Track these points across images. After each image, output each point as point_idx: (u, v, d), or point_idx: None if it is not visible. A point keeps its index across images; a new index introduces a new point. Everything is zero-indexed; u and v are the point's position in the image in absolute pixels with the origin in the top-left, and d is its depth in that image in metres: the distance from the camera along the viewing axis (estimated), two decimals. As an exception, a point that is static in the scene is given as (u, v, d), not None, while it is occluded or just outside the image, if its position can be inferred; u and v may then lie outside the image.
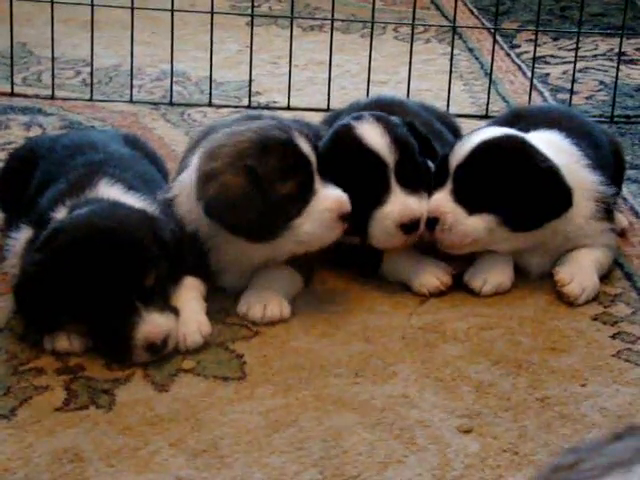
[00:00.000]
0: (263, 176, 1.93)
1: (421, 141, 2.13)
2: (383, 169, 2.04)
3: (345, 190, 1.97)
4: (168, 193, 2.08)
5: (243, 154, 1.95)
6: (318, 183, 1.98)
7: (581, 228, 2.13)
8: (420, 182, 2.07)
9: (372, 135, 2.06)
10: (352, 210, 1.98)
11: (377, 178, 2.04)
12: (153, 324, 1.83)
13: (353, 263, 2.16)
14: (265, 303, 2.00)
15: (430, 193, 2.08)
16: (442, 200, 2.03)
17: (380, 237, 2.05)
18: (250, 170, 1.93)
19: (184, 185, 2.05)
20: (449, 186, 2.04)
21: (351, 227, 2.02)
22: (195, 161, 2.03)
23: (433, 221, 2.01)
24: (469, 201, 2.02)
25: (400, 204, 2.03)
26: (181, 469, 1.61)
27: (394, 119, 2.12)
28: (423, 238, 2.05)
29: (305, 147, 1.98)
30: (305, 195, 1.96)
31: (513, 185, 2.02)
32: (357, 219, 2.02)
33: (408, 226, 2.03)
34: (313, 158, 1.98)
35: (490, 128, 2.17)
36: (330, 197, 1.96)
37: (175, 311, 1.92)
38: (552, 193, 2.05)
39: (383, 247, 2.07)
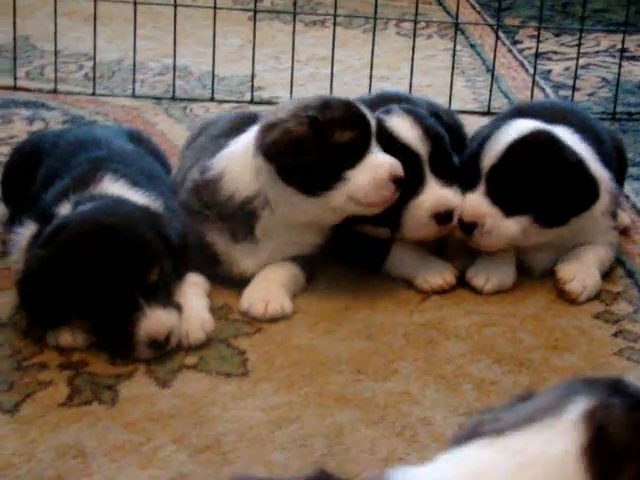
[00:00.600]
0: (324, 125, 1.97)
1: (449, 132, 2.14)
2: (417, 161, 2.06)
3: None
4: (210, 173, 2.08)
5: (307, 107, 2.00)
6: (374, 145, 2.00)
7: (597, 222, 2.13)
8: (453, 173, 2.08)
9: (403, 128, 2.07)
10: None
11: (411, 170, 2.03)
12: (156, 320, 1.83)
13: (358, 258, 2.16)
14: (267, 300, 2.00)
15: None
16: (479, 203, 2.02)
17: (414, 227, 2.06)
18: (312, 119, 1.97)
19: (229, 162, 2.06)
20: (482, 187, 2.03)
21: (382, 218, 2.03)
22: (245, 140, 2.07)
23: (471, 225, 2.01)
24: (505, 203, 2.01)
25: (435, 194, 2.04)
26: (184, 465, 1.61)
27: (422, 111, 2.13)
28: (454, 236, 2.07)
29: (364, 110, 2.03)
30: (362, 149, 1.99)
31: (547, 183, 2.02)
32: (389, 211, 2.02)
33: (443, 216, 2.04)
34: (372, 121, 2.02)
35: (517, 123, 2.13)
36: (385, 158, 1.99)
37: (178, 307, 1.91)
38: (583, 186, 2.05)
39: (416, 238, 2.08)
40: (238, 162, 2.04)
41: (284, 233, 2.05)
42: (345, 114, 1.99)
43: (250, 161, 2.01)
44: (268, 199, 2.01)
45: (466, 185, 2.06)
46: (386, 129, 2.07)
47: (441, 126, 2.13)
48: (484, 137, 2.12)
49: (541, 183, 2.02)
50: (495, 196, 2.02)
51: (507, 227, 2.02)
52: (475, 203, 2.03)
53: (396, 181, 1.96)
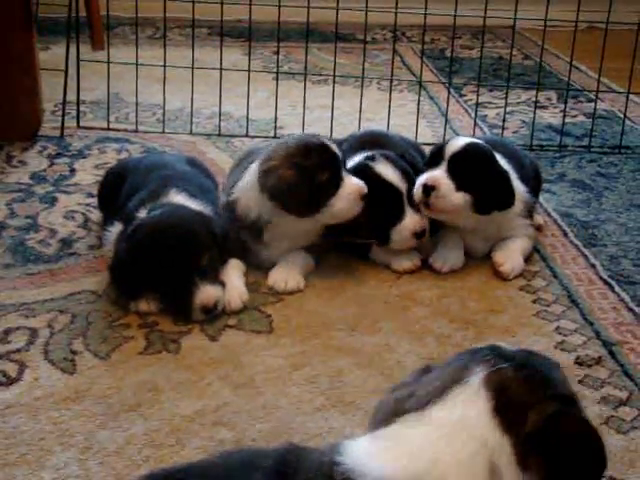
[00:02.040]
0: (307, 169, 1.92)
1: (412, 167, 2.11)
2: (399, 196, 2.03)
3: (370, 211, 1.98)
4: (231, 197, 2.06)
5: (292, 154, 1.94)
6: (344, 174, 1.96)
7: (511, 221, 2.11)
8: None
9: (387, 171, 2.04)
10: (375, 223, 2.02)
11: (395, 203, 2.03)
12: (207, 293, 1.82)
13: (353, 250, 2.12)
14: (287, 278, 1.98)
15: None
16: (439, 175, 1.98)
17: (399, 243, 2.04)
18: (298, 165, 1.92)
19: (243, 189, 2.02)
20: (444, 167, 1.99)
21: (375, 236, 2.05)
22: (248, 174, 2.02)
23: (430, 188, 1.97)
24: (457, 180, 1.98)
25: (413, 220, 2.03)
26: (228, 397, 1.59)
27: (394, 155, 2.10)
28: (419, 201, 2.01)
29: (334, 148, 1.98)
30: (336, 182, 1.95)
31: (483, 177, 2.00)
32: (379, 230, 2.03)
33: (419, 234, 2.03)
34: (340, 156, 1.98)
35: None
36: (353, 183, 1.95)
37: (222, 283, 1.90)
38: (506, 191, 2.04)
39: (400, 249, 2.06)
40: (246, 194, 2.01)
41: (284, 238, 2.02)
42: (322, 157, 1.94)
43: (255, 194, 1.97)
44: (270, 220, 1.98)
45: (433, 165, 2.03)
46: (373, 172, 2.04)
47: (408, 163, 2.11)
48: (448, 139, 2.15)
49: (479, 176, 1.99)
50: (451, 173, 1.99)
51: (455, 197, 1.98)
52: (437, 174, 1.99)
53: (363, 197, 1.95)
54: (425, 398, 1.04)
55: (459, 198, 1.98)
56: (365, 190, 1.95)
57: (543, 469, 0.97)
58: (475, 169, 1.99)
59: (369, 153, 2.11)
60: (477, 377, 1.02)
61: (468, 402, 1.00)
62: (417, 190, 2.00)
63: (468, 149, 2.02)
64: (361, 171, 2.03)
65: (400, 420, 1.04)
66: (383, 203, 2.02)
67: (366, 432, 1.09)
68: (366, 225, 2.01)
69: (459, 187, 1.98)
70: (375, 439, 1.04)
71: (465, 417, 0.99)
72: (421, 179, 2.01)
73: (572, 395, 1.05)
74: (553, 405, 0.99)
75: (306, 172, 1.92)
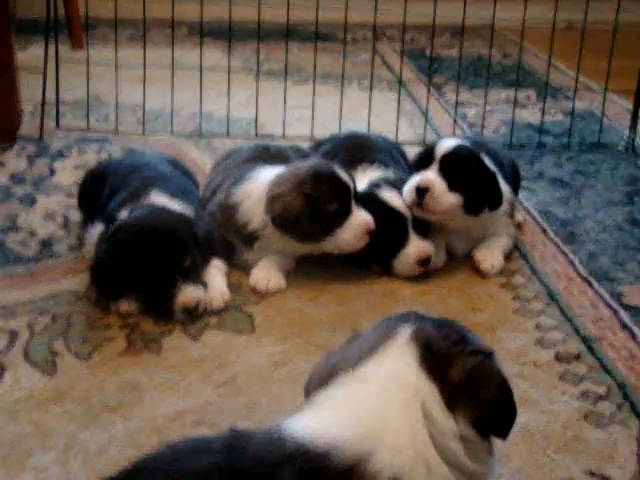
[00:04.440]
0: (316, 199, 1.91)
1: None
2: (403, 222, 2.02)
3: (375, 236, 1.96)
4: (230, 200, 2.04)
5: (302, 182, 1.93)
6: (354, 205, 1.95)
7: (497, 221, 2.12)
8: (428, 229, 2.04)
9: (392, 198, 2.03)
10: (379, 249, 1.99)
11: (400, 229, 2.02)
12: (188, 294, 1.82)
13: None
14: (269, 278, 1.98)
15: None
16: (432, 176, 1.98)
17: (403, 270, 2.03)
18: (307, 195, 1.91)
19: (246, 196, 2.01)
20: (435, 167, 1.99)
21: (378, 262, 2.04)
22: (255, 184, 2.01)
23: (423, 190, 1.96)
24: (449, 180, 1.98)
25: (418, 246, 2.01)
26: (209, 396, 1.59)
27: (396, 180, 2.09)
28: (412, 203, 2.00)
29: (346, 178, 1.96)
30: (345, 213, 1.94)
31: (474, 178, 2.00)
32: (383, 256, 2.03)
33: (424, 261, 2.01)
34: (352, 186, 1.96)
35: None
36: (362, 216, 1.94)
37: (204, 284, 1.89)
38: (495, 191, 2.05)
39: (404, 276, 2.03)
40: (251, 202, 2.00)
41: (276, 250, 2.01)
42: (331, 188, 1.93)
43: (259, 212, 1.97)
44: (268, 236, 1.98)
45: (422, 166, 2.03)
46: (379, 200, 2.03)
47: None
48: (436, 140, 2.16)
49: (469, 177, 2.00)
50: (443, 174, 1.99)
51: (448, 197, 1.98)
52: (430, 176, 1.99)
53: (369, 233, 1.94)
54: (356, 359, 1.10)
55: (451, 198, 1.98)
56: (372, 226, 1.95)
57: (470, 411, 1.07)
58: (466, 170, 2.00)
59: (376, 179, 2.10)
60: (403, 335, 1.11)
61: (397, 356, 1.09)
62: (410, 192, 1.99)
63: (458, 150, 2.02)
64: (367, 198, 2.02)
65: (334, 382, 1.10)
66: (388, 230, 2.00)
67: (303, 402, 1.14)
68: (371, 251, 1.99)
69: (451, 188, 1.98)
70: (315, 407, 1.09)
71: (395, 369, 1.07)
72: (413, 181, 2.00)
73: (489, 350, 1.15)
74: (475, 358, 1.09)
75: (314, 202, 1.92)
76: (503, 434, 1.14)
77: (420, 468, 1.01)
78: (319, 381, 1.13)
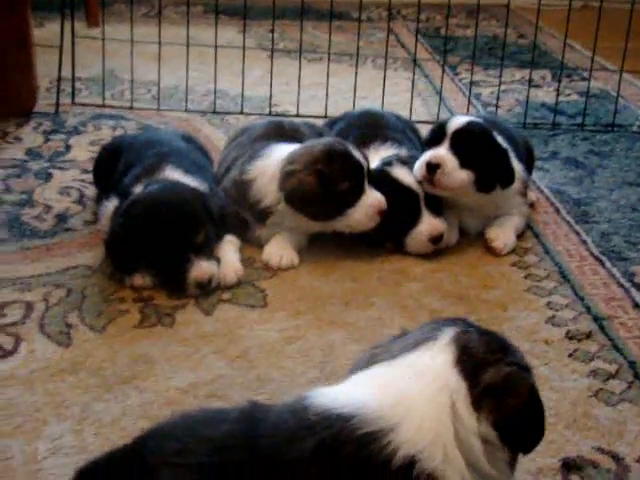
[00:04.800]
0: (329, 177, 1.90)
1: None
2: (416, 199, 2.00)
3: (388, 214, 1.95)
4: (244, 176, 2.03)
5: (315, 160, 1.92)
6: (367, 185, 1.94)
7: (509, 199, 2.11)
8: (440, 207, 2.03)
9: (404, 175, 2.01)
10: (392, 226, 1.98)
11: (412, 206, 2.00)
12: (201, 269, 1.82)
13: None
14: (281, 254, 1.98)
15: None
16: (444, 152, 1.97)
17: (415, 247, 2.02)
18: (320, 172, 1.90)
19: (260, 172, 2.01)
20: (447, 144, 1.98)
21: (390, 238, 2.03)
22: (269, 160, 2.00)
23: (435, 166, 1.95)
24: (460, 157, 1.97)
25: (430, 224, 2.00)
26: (221, 369, 1.59)
27: (409, 157, 2.07)
28: (423, 179, 1.99)
29: (359, 157, 1.95)
30: (357, 193, 1.93)
31: (486, 155, 2.00)
32: (396, 233, 2.01)
33: (436, 239, 2.00)
34: (365, 166, 1.95)
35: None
36: (375, 196, 1.94)
37: (217, 259, 1.89)
38: (507, 169, 2.03)
39: (415, 253, 2.03)
40: (265, 179, 1.99)
41: (288, 226, 2.01)
42: (344, 167, 1.91)
43: (273, 188, 1.96)
44: (282, 213, 1.97)
45: (434, 143, 2.01)
46: (391, 177, 2.01)
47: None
48: (448, 118, 2.11)
49: (482, 153, 1.99)
50: (454, 151, 1.97)
51: (459, 173, 1.97)
52: (441, 152, 1.97)
53: (381, 213, 1.93)
54: (398, 351, 1.13)
55: (462, 174, 1.97)
56: (385, 206, 1.94)
57: (494, 414, 1.07)
58: (478, 147, 1.99)
59: (388, 157, 2.08)
60: (447, 336, 1.12)
61: (435, 353, 1.10)
62: (421, 168, 1.98)
63: (470, 127, 2.01)
64: (379, 176, 2.01)
65: (372, 367, 1.12)
66: (400, 207, 1.99)
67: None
68: (384, 229, 1.98)
69: (462, 165, 1.97)
70: (345, 384, 1.11)
71: (431, 363, 1.09)
72: (425, 157, 1.98)
73: (527, 366, 1.15)
74: (511, 367, 1.10)
75: (327, 180, 1.91)
76: (526, 448, 1.14)
77: (437, 453, 1.01)
78: (359, 367, 1.15)
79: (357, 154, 1.95)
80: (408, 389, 1.06)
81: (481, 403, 1.07)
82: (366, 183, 1.95)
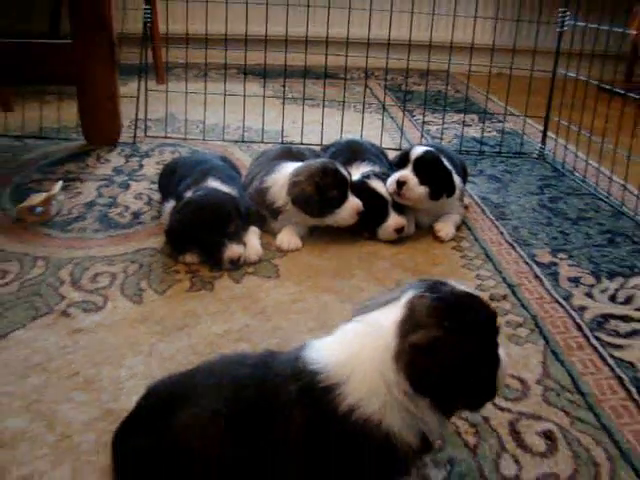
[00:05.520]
0: (323, 187, 1.88)
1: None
2: (386, 203, 1.97)
3: (365, 213, 1.92)
4: (263, 185, 1.99)
5: (314, 174, 1.89)
6: (349, 193, 1.92)
7: (451, 203, 2.07)
8: (403, 208, 1.99)
9: (378, 186, 1.98)
10: (368, 221, 1.95)
11: (383, 207, 1.97)
12: (233, 250, 1.78)
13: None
14: (289, 240, 1.94)
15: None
16: (408, 173, 1.94)
17: (384, 236, 1.98)
18: (317, 183, 1.88)
19: (274, 182, 1.97)
20: (410, 167, 1.95)
21: (367, 229, 1.99)
22: (281, 174, 1.97)
23: (402, 183, 1.92)
24: (419, 176, 1.94)
25: (395, 220, 1.97)
26: (247, 321, 1.56)
27: (381, 173, 2.03)
28: (393, 192, 1.95)
29: (345, 173, 1.92)
30: (342, 198, 1.90)
31: (437, 175, 1.97)
32: (371, 226, 1.98)
33: (400, 229, 1.97)
34: (349, 179, 1.92)
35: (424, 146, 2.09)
36: (355, 202, 1.91)
37: (244, 243, 1.86)
38: (451, 183, 2.00)
39: (385, 240, 1.99)
40: (277, 187, 1.95)
41: (295, 222, 1.97)
42: (334, 180, 1.88)
43: (283, 194, 1.93)
44: (289, 211, 1.94)
45: (401, 165, 1.98)
46: (369, 187, 1.97)
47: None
48: (411, 146, 2.08)
49: (433, 174, 1.96)
50: (416, 172, 1.94)
51: (419, 189, 1.94)
52: (406, 173, 1.94)
53: (359, 213, 1.90)
54: (372, 307, 1.01)
55: (421, 189, 1.94)
56: (362, 208, 1.91)
57: (407, 371, 0.90)
58: (432, 169, 1.95)
59: (366, 172, 2.04)
60: (405, 298, 0.96)
61: (389, 313, 0.95)
62: (392, 184, 1.94)
63: (427, 155, 1.97)
64: (360, 185, 1.97)
65: (354, 320, 1.02)
66: (374, 208, 1.96)
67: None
68: (362, 222, 1.96)
69: (421, 182, 1.94)
70: (329, 336, 1.02)
71: (383, 322, 0.95)
72: (395, 176, 1.95)
73: (466, 331, 0.90)
74: (443, 332, 0.89)
75: (321, 189, 1.88)
76: (445, 408, 0.93)
77: (373, 402, 0.91)
78: (348, 320, 1.06)
79: (343, 171, 1.92)
80: (359, 347, 0.94)
81: (399, 360, 0.90)
82: (349, 192, 1.92)
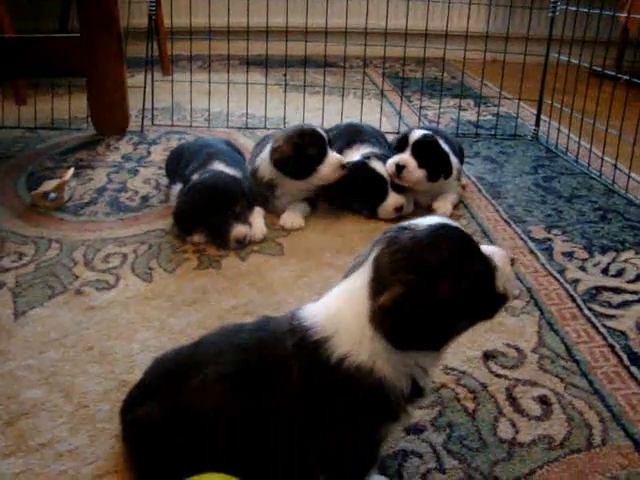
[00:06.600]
0: (301, 146, 1.86)
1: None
2: (385, 182, 1.96)
3: (366, 193, 1.92)
4: (254, 166, 2.00)
5: (291, 136, 1.88)
6: (329, 150, 1.89)
7: (449, 183, 2.06)
8: (402, 187, 1.97)
9: (378, 166, 1.96)
10: (368, 200, 1.94)
11: (382, 187, 1.96)
12: (239, 230, 1.78)
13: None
14: (292, 219, 1.94)
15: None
16: (407, 157, 1.93)
17: (384, 214, 1.97)
18: (295, 144, 1.87)
19: (262, 160, 1.97)
20: (409, 151, 1.93)
21: (368, 209, 1.98)
22: (265, 151, 1.95)
23: (401, 167, 1.91)
24: (418, 160, 1.93)
25: (394, 199, 1.96)
26: (253, 296, 1.56)
27: (381, 154, 2.01)
28: (393, 175, 1.94)
29: (321, 132, 1.90)
30: (322, 155, 1.88)
31: (434, 158, 1.95)
32: (371, 205, 1.97)
33: (399, 209, 1.96)
34: (326, 137, 1.90)
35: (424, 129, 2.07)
36: (334, 156, 1.89)
37: (250, 223, 1.85)
38: (448, 166, 1.99)
39: (384, 218, 1.98)
40: (263, 164, 1.95)
41: (290, 193, 1.96)
42: (311, 138, 1.86)
43: (267, 164, 1.92)
44: (279, 181, 1.93)
45: (400, 149, 1.97)
46: (369, 167, 1.96)
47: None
48: (409, 129, 2.06)
49: (432, 156, 1.95)
50: (414, 156, 1.93)
51: (418, 172, 1.93)
52: (405, 157, 1.93)
53: (342, 166, 1.87)
54: (352, 270, 0.98)
55: (420, 172, 1.93)
56: (344, 160, 1.89)
57: (383, 334, 0.89)
58: (430, 153, 1.94)
59: (366, 153, 2.02)
60: (371, 256, 0.93)
61: (362, 273, 0.93)
62: (392, 167, 1.93)
63: (425, 139, 1.95)
64: (360, 166, 1.96)
65: (341, 282, 1.00)
66: (374, 187, 1.95)
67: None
68: (363, 201, 1.96)
69: (420, 165, 1.93)
70: (321, 298, 1.01)
71: (356, 284, 0.93)
72: (394, 159, 1.94)
73: (430, 277, 0.86)
74: (402, 288, 0.86)
75: (300, 148, 1.86)
76: (435, 347, 0.92)
77: (362, 354, 0.91)
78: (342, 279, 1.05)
79: (320, 130, 1.90)
80: (343, 307, 0.93)
81: (374, 322, 0.90)
82: (328, 148, 1.89)
